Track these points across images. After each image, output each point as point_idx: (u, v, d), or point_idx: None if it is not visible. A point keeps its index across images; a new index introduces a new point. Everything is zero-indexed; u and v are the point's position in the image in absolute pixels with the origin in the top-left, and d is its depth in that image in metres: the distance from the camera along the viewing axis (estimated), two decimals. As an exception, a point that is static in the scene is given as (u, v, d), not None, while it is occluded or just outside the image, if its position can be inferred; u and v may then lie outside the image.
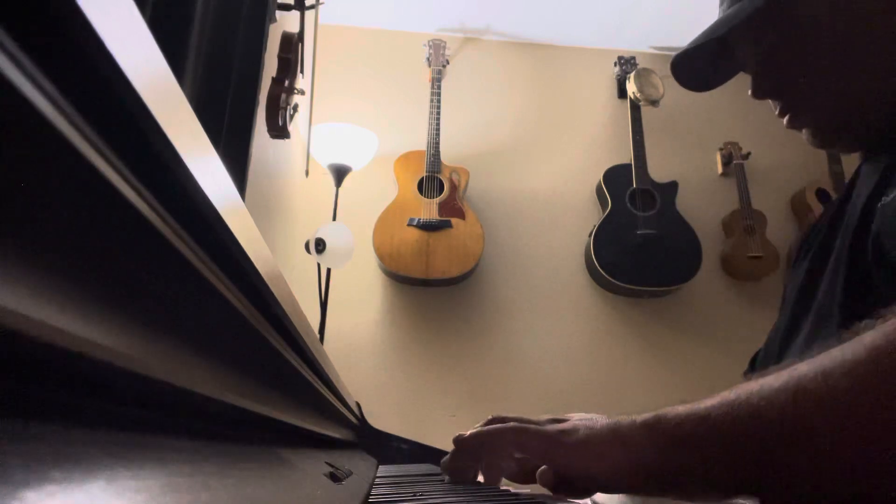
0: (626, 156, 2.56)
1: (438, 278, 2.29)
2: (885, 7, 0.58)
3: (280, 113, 1.44)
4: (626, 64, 2.72)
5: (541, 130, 2.70)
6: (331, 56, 2.54)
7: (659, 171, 2.54)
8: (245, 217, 0.26)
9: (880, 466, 0.33)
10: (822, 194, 2.59)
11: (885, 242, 0.51)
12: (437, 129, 2.46)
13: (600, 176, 2.54)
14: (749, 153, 2.66)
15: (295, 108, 1.59)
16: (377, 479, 0.69)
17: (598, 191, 2.58)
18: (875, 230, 0.53)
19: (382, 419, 1.31)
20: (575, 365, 2.38)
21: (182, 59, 0.96)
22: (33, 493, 0.11)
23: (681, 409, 0.43)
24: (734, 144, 2.68)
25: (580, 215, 2.57)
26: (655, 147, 2.60)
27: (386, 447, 1.20)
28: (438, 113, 2.49)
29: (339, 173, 2.17)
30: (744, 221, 2.55)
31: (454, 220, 2.33)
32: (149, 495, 0.15)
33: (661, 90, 2.56)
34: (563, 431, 0.49)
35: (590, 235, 2.46)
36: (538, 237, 2.54)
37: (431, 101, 2.52)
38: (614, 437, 0.46)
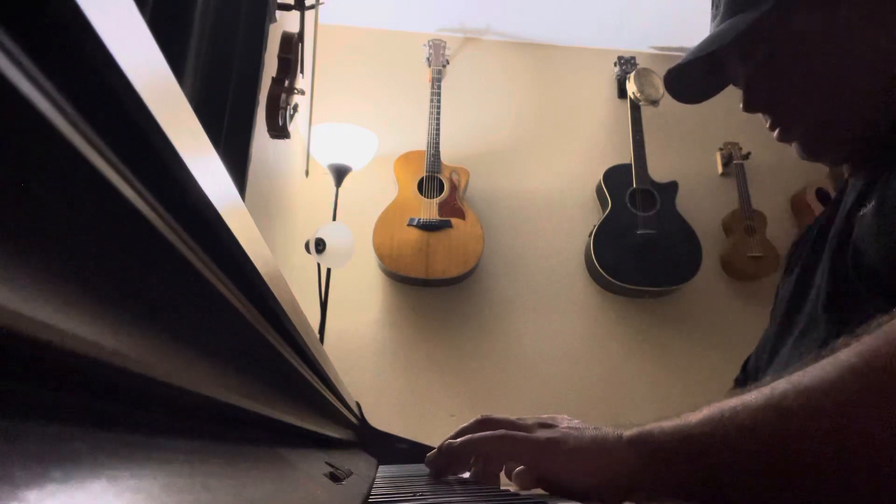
0: (626, 156, 2.56)
1: (438, 278, 2.28)
2: (872, 25, 0.59)
3: (280, 113, 1.44)
4: (626, 64, 2.72)
5: (541, 130, 2.70)
6: (331, 56, 2.54)
7: (659, 171, 2.54)
8: (245, 217, 0.26)
9: (859, 486, 0.35)
10: (822, 194, 2.59)
11: (861, 249, 0.54)
12: (437, 129, 2.46)
13: (600, 176, 2.54)
14: (749, 153, 2.66)
15: (295, 108, 1.58)
16: (377, 479, 0.69)
17: (598, 191, 2.58)
18: (853, 239, 0.55)
19: (382, 419, 1.31)
20: (575, 365, 2.38)
21: (182, 59, 0.96)
22: (33, 493, 0.11)
23: (666, 425, 0.46)
24: (734, 144, 2.68)
25: (580, 215, 2.57)
26: (655, 147, 2.60)
27: (386, 447, 1.20)
28: (438, 113, 2.49)
29: (339, 173, 2.17)
30: (744, 221, 2.55)
31: (454, 220, 2.33)
32: (149, 495, 0.15)
33: (661, 90, 2.56)
34: (551, 440, 0.51)
35: (590, 235, 2.46)
36: (538, 237, 2.54)
37: (431, 101, 2.51)
38: (600, 450, 0.49)
